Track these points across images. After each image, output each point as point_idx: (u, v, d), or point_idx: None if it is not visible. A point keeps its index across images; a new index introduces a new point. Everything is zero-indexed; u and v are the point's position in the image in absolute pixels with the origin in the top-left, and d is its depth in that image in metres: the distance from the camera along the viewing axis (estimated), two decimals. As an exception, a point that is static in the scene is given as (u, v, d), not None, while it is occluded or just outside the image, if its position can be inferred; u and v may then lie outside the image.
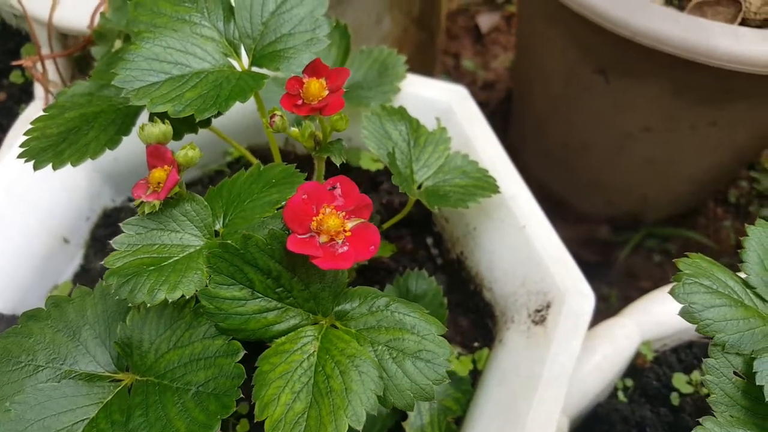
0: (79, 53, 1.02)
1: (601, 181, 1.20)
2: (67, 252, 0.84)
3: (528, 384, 0.61)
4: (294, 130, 0.56)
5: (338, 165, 0.54)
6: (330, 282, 0.51)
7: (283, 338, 0.49)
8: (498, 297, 0.72)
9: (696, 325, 0.48)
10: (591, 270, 1.35)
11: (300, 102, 0.51)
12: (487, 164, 0.71)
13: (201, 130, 0.58)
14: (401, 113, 0.69)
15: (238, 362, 0.47)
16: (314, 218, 0.48)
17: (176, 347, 0.50)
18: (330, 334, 0.50)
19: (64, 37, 1.06)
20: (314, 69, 0.52)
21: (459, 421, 0.68)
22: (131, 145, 0.57)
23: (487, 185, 0.67)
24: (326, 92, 0.51)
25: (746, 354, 0.48)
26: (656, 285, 0.90)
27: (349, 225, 0.49)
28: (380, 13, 1.08)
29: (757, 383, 0.46)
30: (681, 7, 0.88)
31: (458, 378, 0.68)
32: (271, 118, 0.54)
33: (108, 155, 0.57)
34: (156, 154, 0.52)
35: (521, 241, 0.68)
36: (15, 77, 1.10)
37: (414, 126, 0.68)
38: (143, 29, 0.58)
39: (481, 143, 0.74)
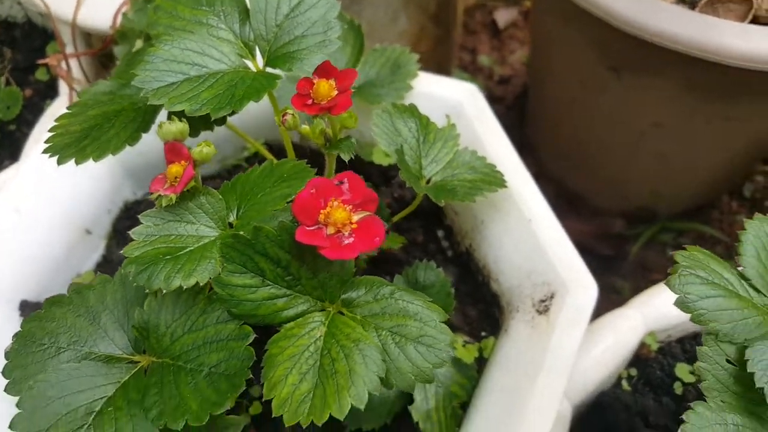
0: (103, 52, 1.06)
1: (616, 176, 1.21)
2: (89, 243, 0.87)
3: (530, 371, 0.63)
4: (305, 127, 0.58)
5: (346, 161, 0.56)
6: (337, 271, 0.53)
7: (291, 323, 0.52)
8: (504, 288, 0.74)
9: (690, 315, 0.50)
10: (605, 263, 1.37)
11: (310, 102, 0.54)
12: (496, 160, 0.73)
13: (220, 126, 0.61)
14: (411, 111, 0.71)
15: (249, 345, 0.50)
16: (322, 211, 0.50)
17: (191, 331, 0.53)
18: (337, 320, 0.52)
19: (88, 36, 1.10)
20: (324, 70, 0.54)
21: (465, 406, 0.70)
22: (153, 141, 0.59)
23: (494, 180, 0.69)
24: (335, 92, 0.53)
25: (739, 343, 0.50)
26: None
27: (356, 218, 0.51)
28: (396, 10, 1.10)
29: (749, 370, 0.48)
30: (693, 5, 0.88)
31: (464, 365, 0.70)
32: (284, 116, 0.56)
33: (131, 150, 0.59)
34: (173, 150, 0.55)
35: (527, 234, 0.70)
36: (41, 74, 1.14)
37: (424, 123, 0.70)
38: (162, 32, 0.61)
39: (490, 140, 0.75)
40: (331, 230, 0.50)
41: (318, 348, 0.51)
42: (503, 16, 1.62)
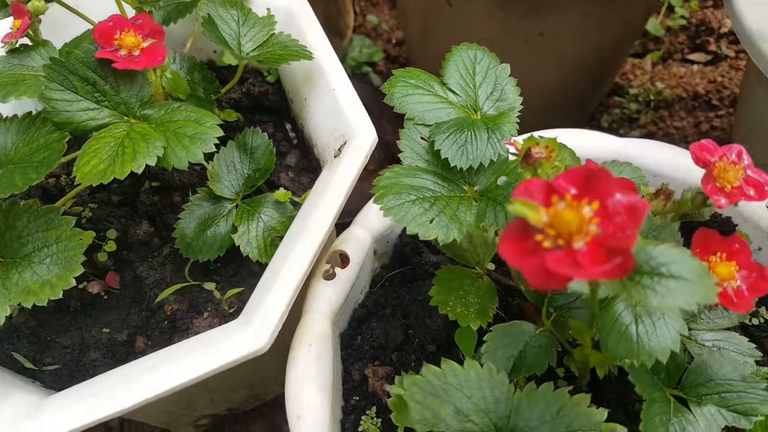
0: None
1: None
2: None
3: (320, 195, 0.78)
4: (124, -5, 0.75)
5: (147, 11, 0.73)
6: (137, 91, 0.69)
7: (102, 131, 0.68)
8: (321, 150, 0.90)
9: (394, 106, 0.66)
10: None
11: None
12: (313, 47, 0.89)
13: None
14: (235, 2, 0.88)
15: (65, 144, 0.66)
16: (116, 36, 0.66)
17: (29, 143, 0.69)
18: (135, 126, 0.68)
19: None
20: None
21: (284, 241, 0.85)
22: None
23: (300, 53, 0.86)
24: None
25: (430, 124, 0.66)
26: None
27: (145, 44, 0.67)
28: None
29: (431, 139, 0.64)
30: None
31: (281, 204, 0.86)
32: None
33: None
34: (17, 9, 0.72)
35: (332, 100, 0.86)
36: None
37: (245, 12, 0.87)
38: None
39: (311, 33, 0.92)
40: (123, 52, 0.67)
41: (117, 143, 0.67)
42: (401, -12, 1.81)
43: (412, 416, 0.53)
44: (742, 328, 0.78)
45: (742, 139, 1.21)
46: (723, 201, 0.49)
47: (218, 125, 0.68)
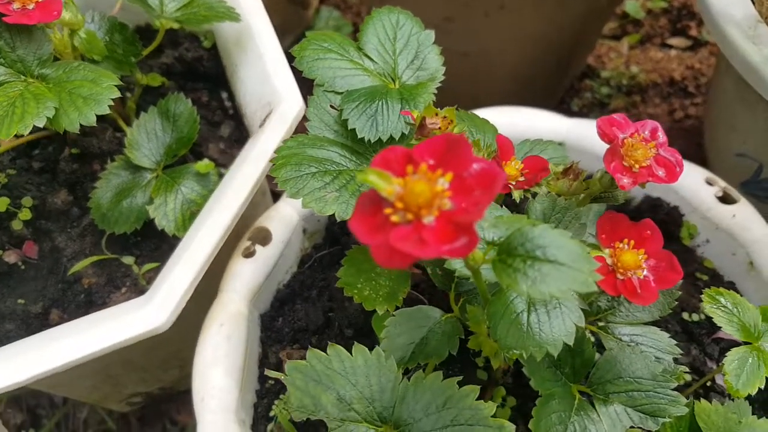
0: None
1: (438, 82, 1.32)
2: None
3: (239, 166, 0.74)
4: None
5: None
6: (35, 49, 0.65)
7: (-6, 90, 0.64)
8: (249, 119, 0.86)
9: (303, 70, 0.61)
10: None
11: None
12: (245, 9, 0.85)
13: None
14: (162, -39, 0.83)
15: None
16: (8, -11, 0.62)
17: None
18: (31, 86, 0.64)
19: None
20: None
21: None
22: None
23: (227, 15, 0.81)
24: None
25: (341, 92, 0.61)
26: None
27: (40, -2, 0.63)
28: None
29: (340, 108, 0.59)
30: None
31: (203, 177, 0.81)
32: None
33: None
34: None
35: (261, 66, 0.82)
36: None
37: (171, -28, 0.82)
38: None
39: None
40: (17, 5, 0.62)
41: (10, 103, 0.62)
42: (376, -39, 1.75)
43: (291, 402, 0.50)
44: (681, 324, 0.75)
45: (710, 126, 1.17)
46: (626, 181, 0.45)
47: (116, 86, 0.63)
